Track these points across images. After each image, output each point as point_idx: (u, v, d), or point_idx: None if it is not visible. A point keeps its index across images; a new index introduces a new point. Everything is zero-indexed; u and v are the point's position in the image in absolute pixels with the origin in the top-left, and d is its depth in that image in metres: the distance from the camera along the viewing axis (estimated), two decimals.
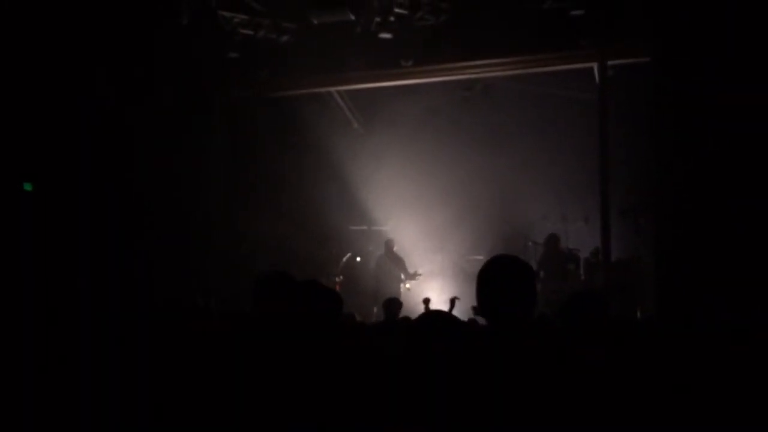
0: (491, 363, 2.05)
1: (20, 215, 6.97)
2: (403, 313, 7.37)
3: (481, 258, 10.30)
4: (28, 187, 7.21)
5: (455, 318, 2.42)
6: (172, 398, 2.60)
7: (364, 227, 11.57)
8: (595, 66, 8.55)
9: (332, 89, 10.61)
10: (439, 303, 10.01)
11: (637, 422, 2.27)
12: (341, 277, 10.74)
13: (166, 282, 7.78)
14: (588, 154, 8.84)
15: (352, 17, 8.64)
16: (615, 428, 2.10)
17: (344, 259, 11.00)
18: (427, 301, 8.54)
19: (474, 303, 2.56)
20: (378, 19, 8.63)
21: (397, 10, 8.51)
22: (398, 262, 10.59)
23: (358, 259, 11.21)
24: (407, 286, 10.58)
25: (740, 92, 6.94)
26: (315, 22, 8.79)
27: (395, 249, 10.76)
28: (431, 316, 2.45)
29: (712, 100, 7.14)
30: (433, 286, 10.82)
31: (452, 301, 7.60)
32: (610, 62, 8.49)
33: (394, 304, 7.33)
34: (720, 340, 2.92)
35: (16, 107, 6.98)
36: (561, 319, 2.88)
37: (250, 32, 8.97)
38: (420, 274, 10.54)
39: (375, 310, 9.82)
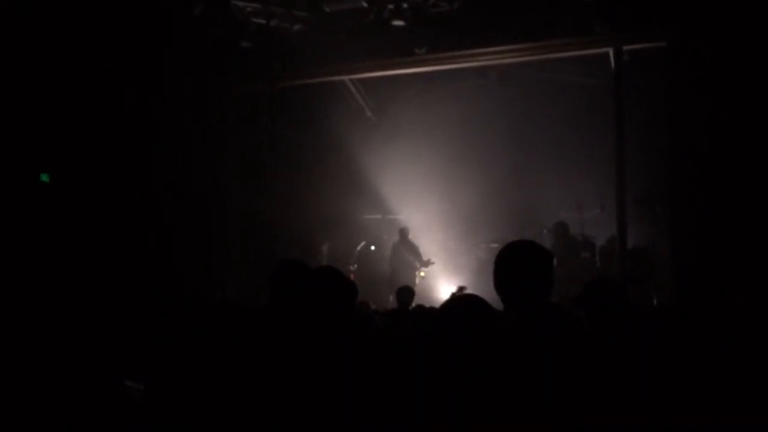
0: (511, 349, 2.04)
1: (37, 206, 7.03)
2: (417, 301, 7.38)
3: (496, 246, 10.27)
4: (44, 177, 7.26)
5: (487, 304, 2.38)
6: (188, 390, 2.62)
7: (378, 216, 11.58)
8: (610, 51, 8.45)
9: (345, 78, 10.58)
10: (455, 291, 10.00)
11: (654, 409, 2.26)
12: (356, 265, 10.77)
13: (183, 274, 7.82)
14: (604, 141, 8.76)
15: (365, 5, 8.60)
16: (634, 415, 2.08)
17: (359, 247, 11.02)
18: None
19: (487, 290, 2.54)
20: (391, 7, 8.57)
21: None
22: (413, 250, 10.59)
23: (373, 247, 11.22)
24: (422, 274, 10.59)
25: (759, 78, 6.85)
26: (327, 10, 8.76)
27: (410, 237, 10.76)
28: (463, 302, 2.42)
29: (729, 86, 7.05)
30: (448, 274, 10.83)
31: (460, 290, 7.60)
32: (625, 47, 8.38)
33: (407, 292, 7.33)
34: (738, 328, 2.88)
35: (31, 99, 7.02)
36: (580, 306, 2.87)
37: (263, 21, 8.95)
38: (433, 263, 10.54)
39: (390, 298, 9.83)
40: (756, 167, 6.82)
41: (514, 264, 2.28)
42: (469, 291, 7.63)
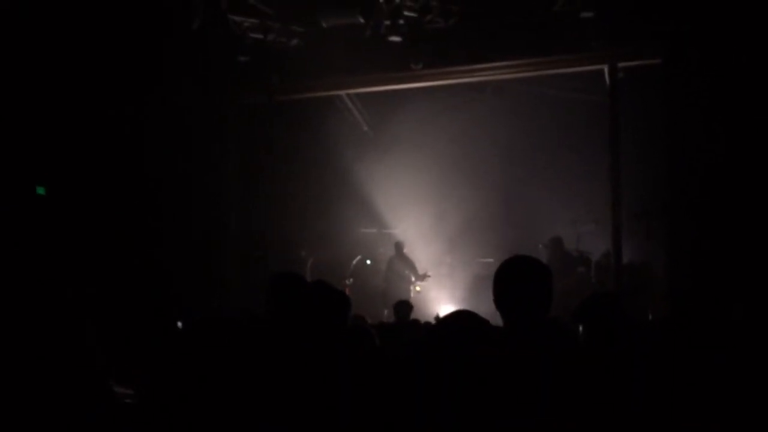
0: (509, 363, 2.04)
1: (33, 219, 7.02)
2: (414, 315, 7.38)
3: (491, 261, 10.28)
4: (41, 191, 7.25)
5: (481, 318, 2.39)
6: (178, 400, 2.60)
7: (374, 230, 11.59)
8: (605, 68, 8.52)
9: (342, 92, 10.63)
10: (449, 306, 10.00)
11: (648, 421, 2.26)
12: (351, 279, 10.76)
13: (178, 285, 7.80)
14: (599, 156, 8.81)
15: (362, 20, 8.65)
16: (630, 428, 2.09)
17: (354, 261, 11.02)
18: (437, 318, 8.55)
19: (483, 305, 2.55)
20: (387, 22, 8.63)
21: (406, 13, 8.50)
22: (408, 264, 10.59)
23: (368, 261, 11.22)
24: (417, 288, 10.58)
25: (754, 95, 6.91)
26: (324, 25, 8.81)
27: (405, 251, 10.77)
28: (460, 317, 2.42)
29: (724, 102, 7.11)
30: (444, 289, 10.82)
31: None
32: (620, 64, 8.46)
33: (405, 306, 7.34)
34: (734, 342, 2.89)
35: (29, 111, 7.03)
36: (578, 320, 2.87)
37: (260, 36, 9.00)
38: (429, 276, 10.54)
39: (385, 312, 9.82)
40: (752, 182, 6.86)
41: (513, 279, 2.29)
42: (464, 307, 7.61)
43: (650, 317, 7.78)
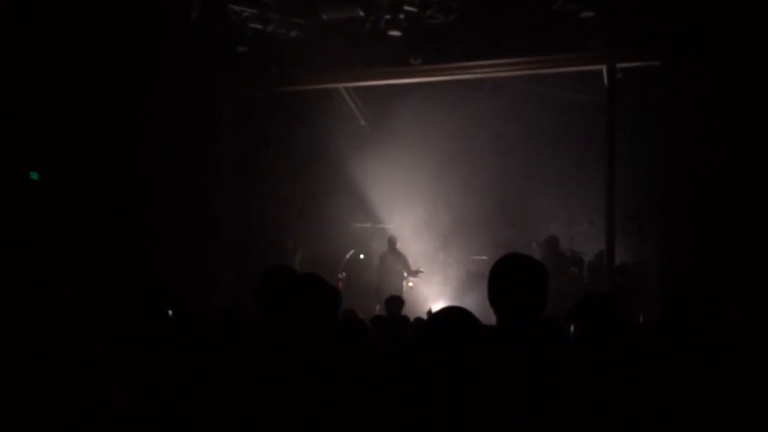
0: (502, 362, 2.04)
1: (26, 204, 6.99)
2: (405, 311, 7.38)
3: (485, 258, 10.30)
4: (34, 176, 7.22)
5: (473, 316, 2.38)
6: (174, 396, 2.59)
7: (368, 224, 11.58)
8: (603, 68, 8.53)
9: (340, 85, 10.60)
10: (441, 302, 10.01)
11: (643, 422, 2.26)
12: (344, 273, 10.75)
13: (171, 277, 7.78)
14: (594, 156, 8.83)
15: (362, 14, 8.63)
16: (621, 428, 2.09)
17: (347, 256, 11.01)
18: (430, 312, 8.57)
19: (475, 302, 2.55)
20: (387, 17, 8.62)
21: (406, 8, 8.49)
22: (401, 259, 10.58)
23: (362, 256, 11.21)
24: (410, 283, 10.58)
25: (751, 94, 6.94)
26: (324, 18, 8.78)
27: (398, 246, 10.77)
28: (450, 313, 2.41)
29: (722, 103, 7.14)
30: (436, 285, 10.83)
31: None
32: (619, 65, 8.46)
33: (396, 301, 7.33)
34: (727, 343, 2.91)
35: (26, 99, 6.98)
36: (570, 320, 2.87)
37: (260, 26, 8.96)
38: (422, 271, 10.54)
39: (377, 307, 9.82)
40: (749, 183, 6.89)
41: (509, 278, 2.28)
42: (456, 304, 7.61)
43: (641, 318, 7.82)
